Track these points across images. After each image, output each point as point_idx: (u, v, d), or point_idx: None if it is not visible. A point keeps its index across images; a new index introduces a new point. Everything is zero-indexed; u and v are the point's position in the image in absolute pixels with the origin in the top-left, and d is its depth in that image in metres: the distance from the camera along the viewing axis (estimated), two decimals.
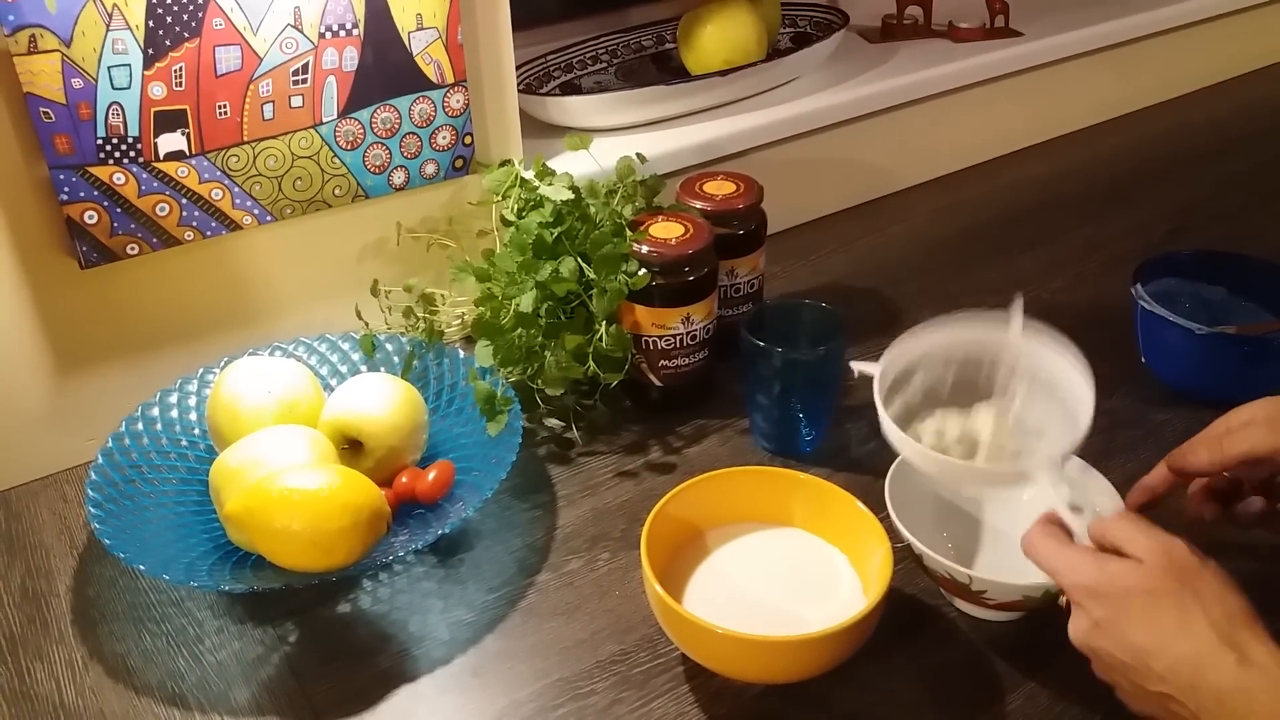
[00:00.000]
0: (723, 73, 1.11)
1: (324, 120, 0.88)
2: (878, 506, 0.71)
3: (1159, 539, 0.57)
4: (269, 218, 0.89)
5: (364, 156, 0.91)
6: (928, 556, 0.68)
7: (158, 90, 0.79)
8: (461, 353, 0.89)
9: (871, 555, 0.69)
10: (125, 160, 0.80)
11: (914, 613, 0.73)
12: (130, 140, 0.80)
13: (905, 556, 0.71)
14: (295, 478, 0.69)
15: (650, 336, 0.88)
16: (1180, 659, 0.52)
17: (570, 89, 1.17)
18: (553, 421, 0.90)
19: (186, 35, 0.79)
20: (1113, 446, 0.87)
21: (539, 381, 0.86)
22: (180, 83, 0.80)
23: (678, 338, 0.88)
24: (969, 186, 1.32)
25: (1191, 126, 1.47)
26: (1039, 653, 0.70)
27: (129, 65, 0.77)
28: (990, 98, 1.32)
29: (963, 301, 1.06)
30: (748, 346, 0.83)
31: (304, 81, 0.85)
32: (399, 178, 0.93)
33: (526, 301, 0.84)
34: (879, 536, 0.68)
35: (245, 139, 0.85)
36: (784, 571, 0.72)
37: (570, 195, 0.88)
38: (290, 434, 0.76)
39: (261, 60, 0.83)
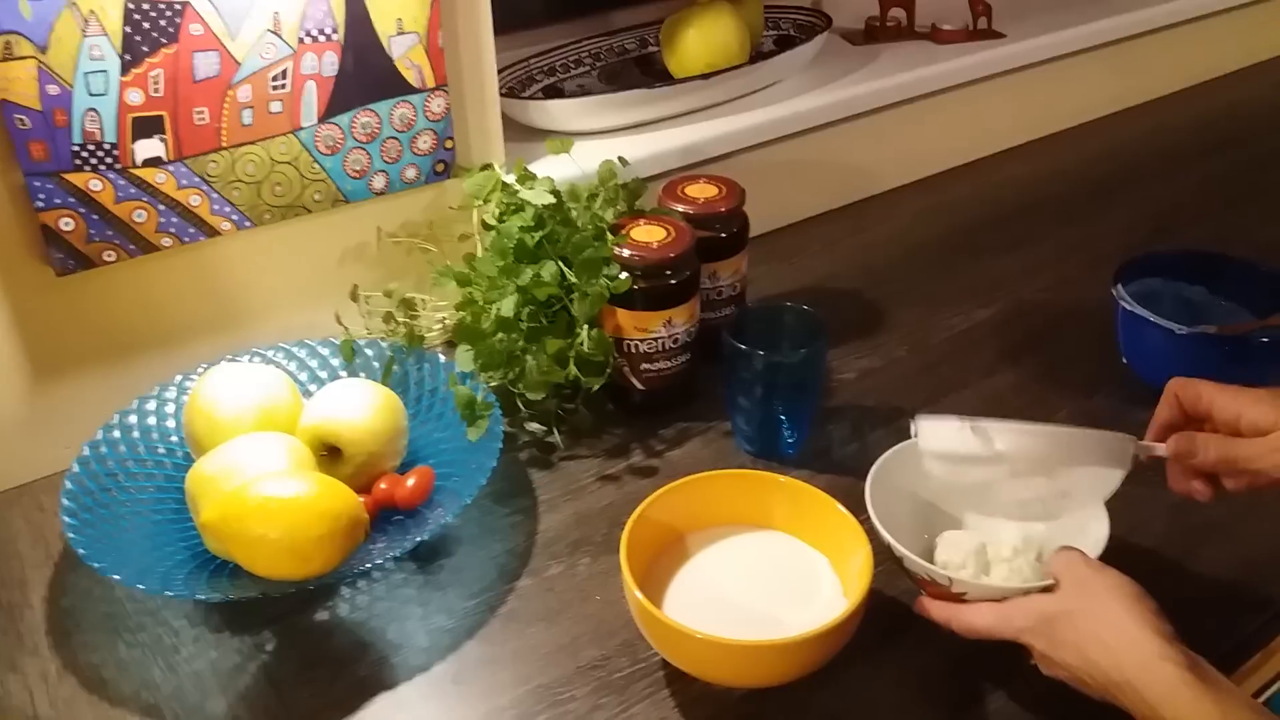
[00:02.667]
0: (705, 76, 1.10)
1: (303, 125, 0.87)
2: (859, 508, 0.71)
3: (1059, 558, 0.64)
4: (248, 223, 0.88)
5: (344, 161, 0.90)
6: (908, 559, 0.68)
7: (135, 97, 0.79)
8: (442, 358, 0.88)
9: (852, 557, 0.69)
10: (102, 167, 0.80)
11: (895, 615, 0.72)
12: (107, 147, 0.79)
13: (886, 558, 0.71)
14: (272, 485, 0.69)
15: (632, 340, 0.88)
16: (1087, 666, 0.59)
17: (553, 92, 1.16)
18: (534, 426, 0.90)
19: (164, 41, 0.78)
20: None
21: (520, 386, 0.85)
22: (158, 89, 0.80)
23: (659, 341, 0.88)
24: (952, 187, 1.32)
25: (1174, 127, 1.47)
26: (1019, 652, 0.69)
27: (106, 72, 0.77)
28: (973, 99, 1.32)
29: (945, 303, 1.07)
30: (729, 350, 0.83)
31: (283, 87, 0.85)
32: (379, 182, 0.93)
33: (508, 306, 0.83)
34: (859, 539, 0.68)
35: (224, 145, 0.84)
36: (764, 575, 0.72)
37: (551, 199, 0.88)
38: (268, 441, 0.76)
39: (240, 66, 0.82)
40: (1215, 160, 1.38)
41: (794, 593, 0.70)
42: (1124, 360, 0.94)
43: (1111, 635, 0.58)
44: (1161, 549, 0.78)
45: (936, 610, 0.67)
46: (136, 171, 0.81)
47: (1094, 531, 0.68)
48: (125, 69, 0.78)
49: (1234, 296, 0.94)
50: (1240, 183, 1.32)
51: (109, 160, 0.80)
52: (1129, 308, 0.90)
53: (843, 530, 0.70)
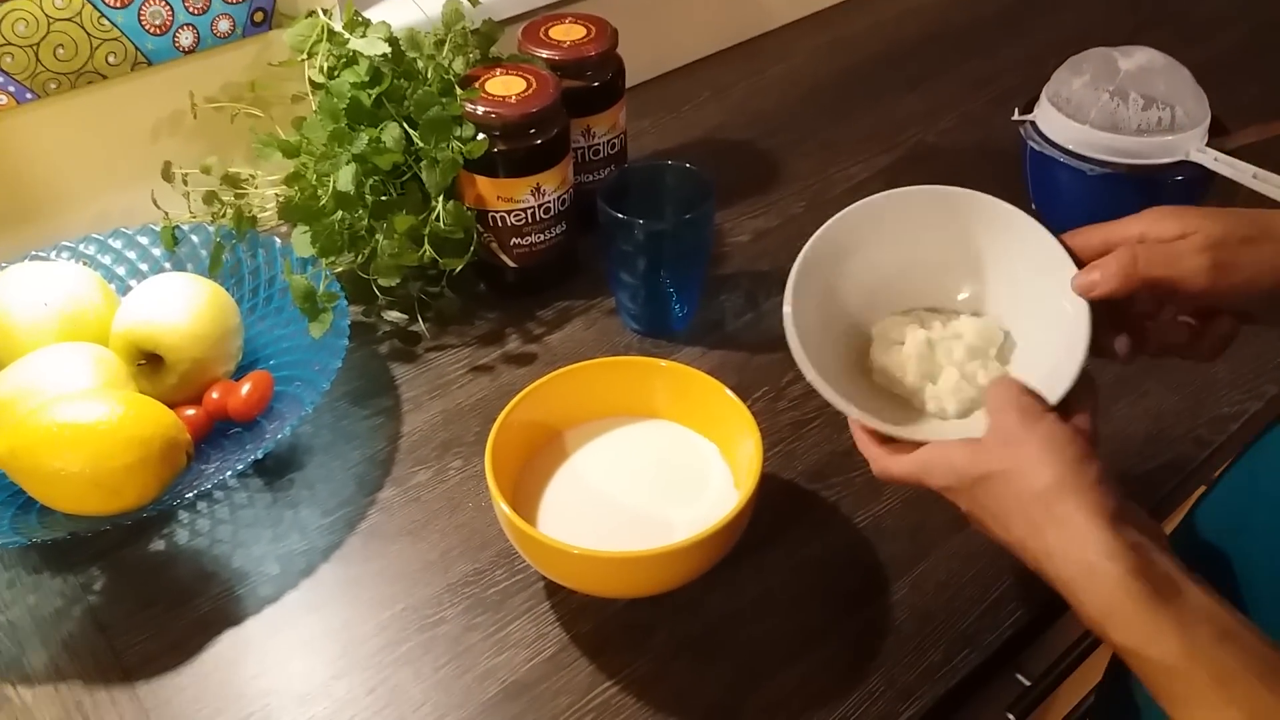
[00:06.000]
0: None
1: None
2: (756, 384, 0.64)
3: (991, 395, 0.52)
4: (29, 95, 0.75)
5: (139, 15, 0.76)
6: (825, 393, 0.55)
7: None
8: (279, 241, 0.78)
9: (741, 445, 0.62)
10: None
11: (791, 500, 0.67)
12: None
13: (778, 441, 0.65)
14: (69, 409, 0.59)
15: (497, 212, 0.78)
16: (1016, 544, 0.49)
17: None
18: (394, 314, 0.80)
19: None
20: None
21: (371, 271, 0.75)
22: None
23: (528, 211, 0.78)
24: (850, 21, 1.21)
25: None
26: (923, 537, 0.65)
27: None
28: None
29: (844, 151, 0.99)
30: (606, 219, 0.74)
31: None
32: (186, 38, 0.79)
33: (344, 178, 0.72)
34: (748, 425, 0.61)
35: None
36: (649, 470, 0.65)
37: (387, 48, 0.75)
38: (71, 354, 0.65)
39: None
40: None
41: (681, 487, 0.64)
42: (1033, 205, 0.87)
43: (1041, 514, 0.46)
44: None
45: (860, 442, 0.56)
46: None
47: (1069, 318, 0.55)
48: None
49: None
50: (1148, 9, 1.24)
51: None
52: (1036, 147, 0.83)
53: (731, 416, 0.63)
